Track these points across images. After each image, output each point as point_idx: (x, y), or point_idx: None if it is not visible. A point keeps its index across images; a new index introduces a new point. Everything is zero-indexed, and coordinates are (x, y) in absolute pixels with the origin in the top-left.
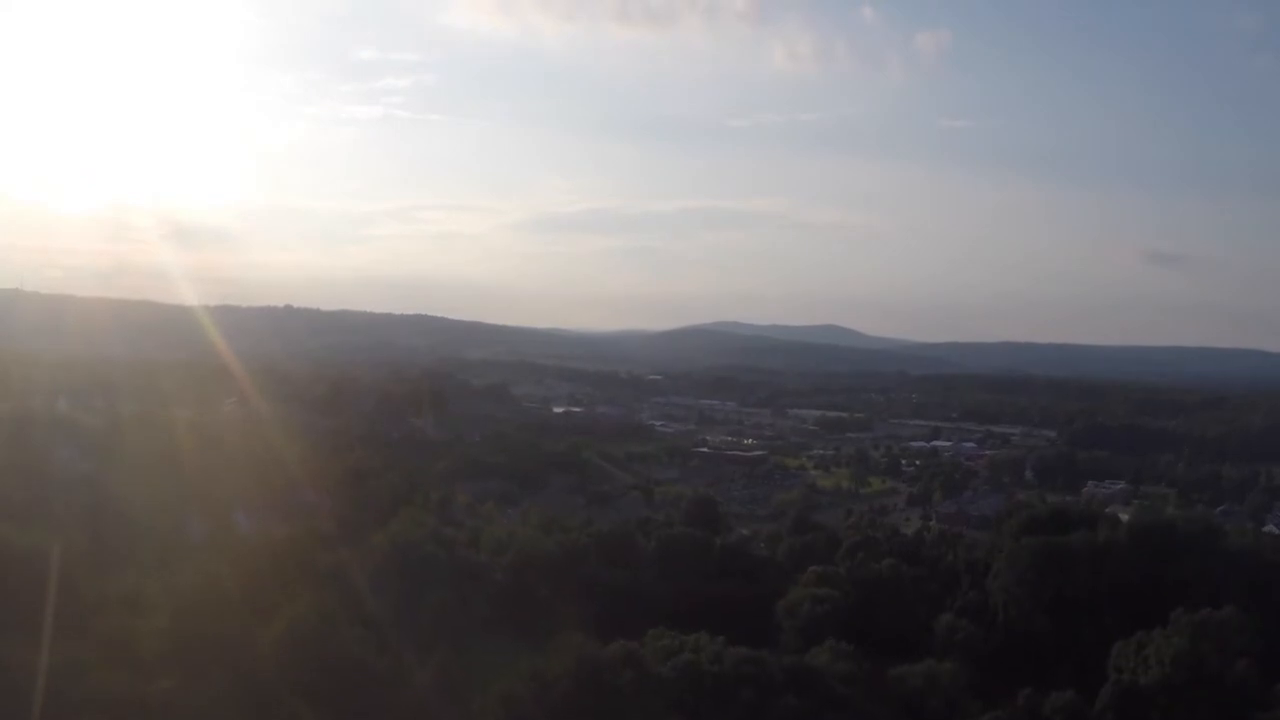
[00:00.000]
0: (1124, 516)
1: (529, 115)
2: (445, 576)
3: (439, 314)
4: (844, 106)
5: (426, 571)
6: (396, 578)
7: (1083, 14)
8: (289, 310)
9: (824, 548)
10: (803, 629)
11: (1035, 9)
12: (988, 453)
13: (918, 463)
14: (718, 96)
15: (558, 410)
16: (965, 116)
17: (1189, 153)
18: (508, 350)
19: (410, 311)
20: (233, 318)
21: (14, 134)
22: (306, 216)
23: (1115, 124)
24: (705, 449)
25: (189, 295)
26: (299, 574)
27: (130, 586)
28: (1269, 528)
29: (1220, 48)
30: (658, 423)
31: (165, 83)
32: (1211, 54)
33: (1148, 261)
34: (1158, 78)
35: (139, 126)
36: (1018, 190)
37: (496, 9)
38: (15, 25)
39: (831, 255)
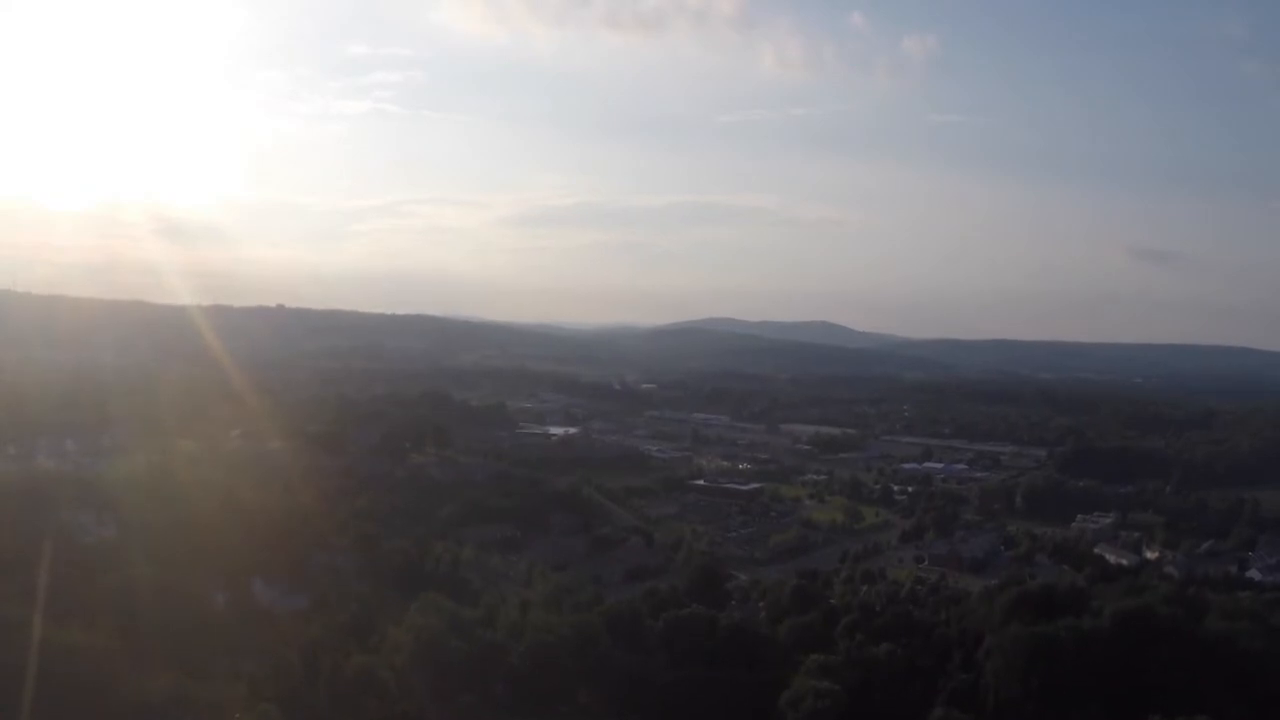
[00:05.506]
0: (1110, 558)
1: (518, 112)
2: (467, 667)
3: (430, 311)
4: (834, 104)
5: (450, 666)
6: (423, 677)
7: (1076, 18)
8: (281, 310)
9: (823, 627)
10: None
11: (1028, 13)
12: (979, 475)
13: (910, 490)
14: (708, 94)
15: (555, 433)
16: (955, 113)
17: (1177, 152)
18: (499, 351)
19: (401, 310)
20: (226, 318)
21: (6, 130)
22: (296, 212)
23: (1106, 125)
24: (702, 481)
25: (182, 295)
26: (334, 683)
27: (173, 693)
28: (1252, 572)
29: (1208, 52)
30: (653, 447)
31: (156, 79)
32: (1199, 58)
33: (1136, 258)
34: (1147, 80)
35: (130, 123)
36: (1007, 188)
37: (487, 11)
38: (8, 23)
39: (821, 251)
